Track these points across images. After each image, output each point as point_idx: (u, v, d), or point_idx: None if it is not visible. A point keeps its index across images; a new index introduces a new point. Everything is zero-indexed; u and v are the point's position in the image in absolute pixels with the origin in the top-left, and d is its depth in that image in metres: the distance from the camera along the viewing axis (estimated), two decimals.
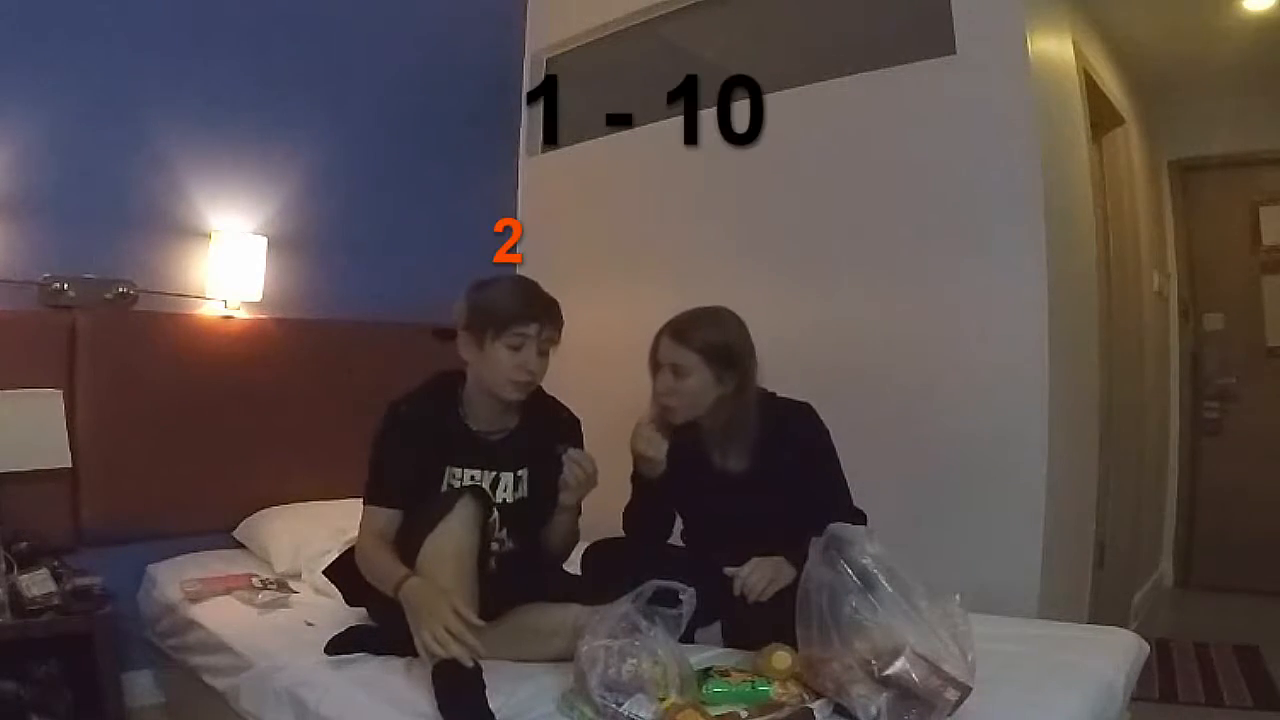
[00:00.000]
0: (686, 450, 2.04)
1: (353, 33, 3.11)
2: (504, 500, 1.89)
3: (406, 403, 1.90)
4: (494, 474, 1.90)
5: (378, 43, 3.17)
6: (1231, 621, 3.59)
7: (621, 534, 2.10)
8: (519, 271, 3.42)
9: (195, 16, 2.74)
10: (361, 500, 1.86)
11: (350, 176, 3.11)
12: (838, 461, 2.01)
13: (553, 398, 2.03)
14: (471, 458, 1.89)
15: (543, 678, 1.64)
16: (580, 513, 1.98)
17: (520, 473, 1.93)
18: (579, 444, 1.97)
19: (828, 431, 2.02)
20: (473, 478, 1.88)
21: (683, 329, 1.99)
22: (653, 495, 2.04)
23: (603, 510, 2.05)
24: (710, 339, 1.98)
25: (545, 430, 1.94)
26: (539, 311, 1.85)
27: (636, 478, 2.05)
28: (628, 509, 2.10)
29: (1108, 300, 3.21)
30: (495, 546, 1.83)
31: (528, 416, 1.96)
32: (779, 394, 2.06)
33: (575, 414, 2.03)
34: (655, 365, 2.02)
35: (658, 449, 1.97)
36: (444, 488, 1.86)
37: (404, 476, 1.83)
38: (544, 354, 1.87)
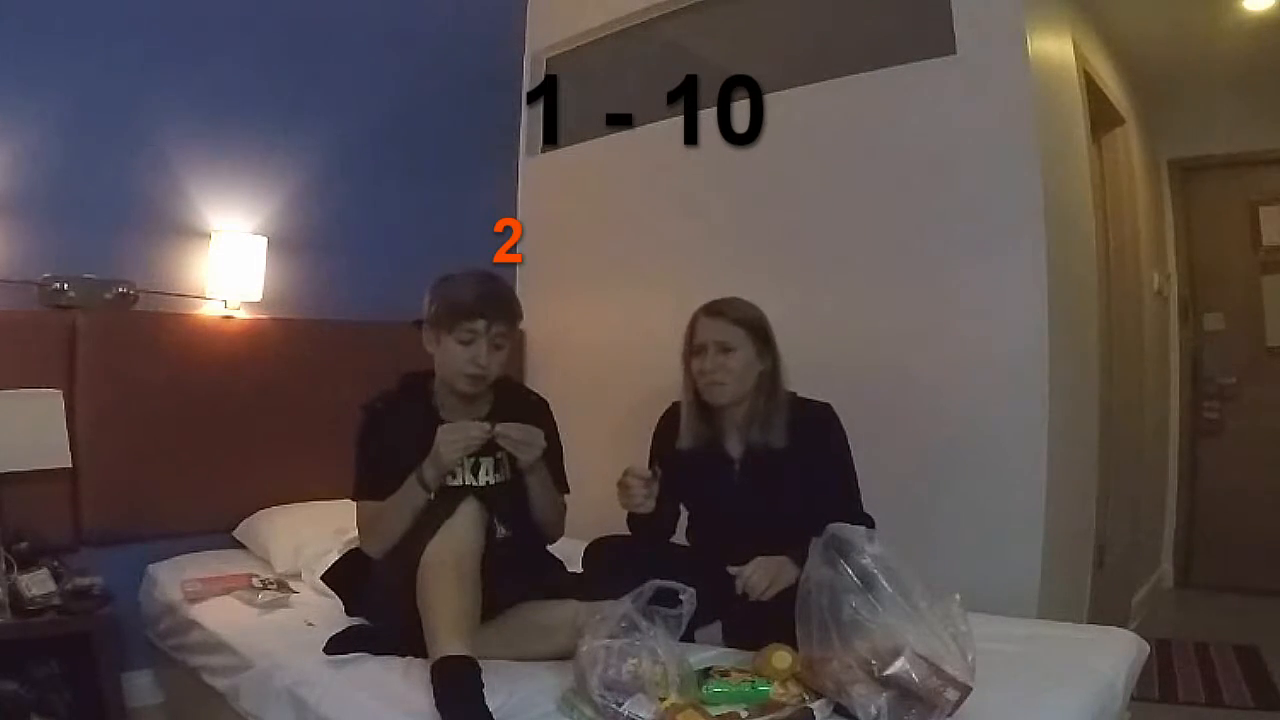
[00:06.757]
0: (704, 442, 2.05)
1: (353, 33, 3.11)
2: (486, 483, 1.93)
3: (380, 400, 1.97)
4: (473, 459, 1.92)
5: (378, 43, 3.17)
6: (1231, 621, 3.59)
7: (620, 532, 2.08)
8: (519, 271, 3.43)
9: (196, 16, 2.74)
10: (352, 498, 1.93)
11: (350, 176, 3.11)
12: (853, 465, 2.02)
13: (520, 383, 2.11)
14: None
15: (543, 676, 1.64)
16: (566, 486, 2.03)
17: (499, 455, 1.95)
18: (549, 422, 2.02)
19: (845, 434, 2.03)
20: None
21: (721, 308, 2.03)
22: (648, 527, 2.02)
23: (603, 508, 2.05)
24: (749, 314, 2.03)
25: (516, 412, 1.98)
26: (488, 308, 1.89)
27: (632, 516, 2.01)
28: (629, 522, 2.07)
29: (1108, 300, 3.21)
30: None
31: (499, 400, 2.00)
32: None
33: (543, 396, 2.10)
34: (695, 349, 2.03)
35: (648, 500, 1.90)
36: None
37: (387, 471, 1.87)
38: (498, 348, 1.90)
